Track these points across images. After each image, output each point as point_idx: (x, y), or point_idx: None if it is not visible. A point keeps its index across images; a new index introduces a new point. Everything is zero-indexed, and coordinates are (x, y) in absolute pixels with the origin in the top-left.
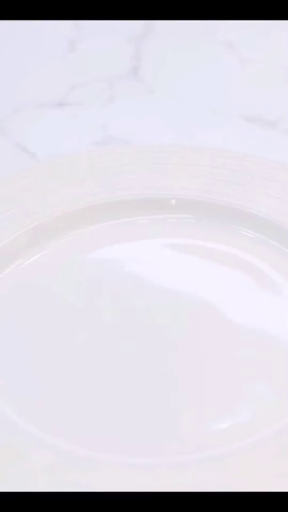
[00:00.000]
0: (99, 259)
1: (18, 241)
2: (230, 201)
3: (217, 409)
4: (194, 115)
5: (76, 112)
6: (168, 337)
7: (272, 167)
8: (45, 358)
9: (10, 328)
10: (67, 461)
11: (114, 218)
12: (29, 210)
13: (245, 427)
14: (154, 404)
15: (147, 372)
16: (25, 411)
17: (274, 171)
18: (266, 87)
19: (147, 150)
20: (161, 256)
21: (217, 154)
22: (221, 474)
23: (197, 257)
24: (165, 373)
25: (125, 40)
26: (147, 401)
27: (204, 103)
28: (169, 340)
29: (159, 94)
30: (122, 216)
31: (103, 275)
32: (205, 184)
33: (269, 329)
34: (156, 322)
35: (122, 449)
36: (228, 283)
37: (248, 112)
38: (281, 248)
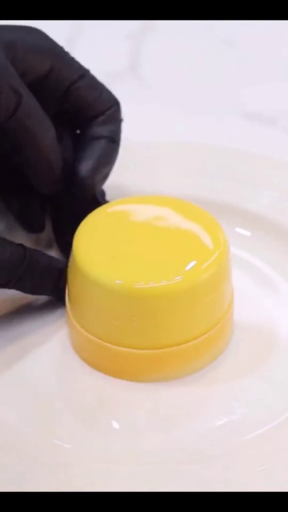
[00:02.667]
0: None
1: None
2: (228, 198)
3: (214, 406)
4: (192, 112)
5: None
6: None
7: (271, 165)
8: (43, 355)
9: (7, 325)
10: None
11: None
12: None
13: (242, 425)
14: (149, 402)
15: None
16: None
17: (273, 169)
18: (266, 84)
19: (145, 147)
20: None
21: (216, 152)
22: (218, 472)
23: None
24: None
25: (123, 37)
26: (142, 400)
27: (203, 100)
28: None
29: (157, 91)
30: None
31: None
32: (202, 181)
33: (266, 326)
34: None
35: (116, 451)
36: None
37: (247, 109)
38: (279, 246)
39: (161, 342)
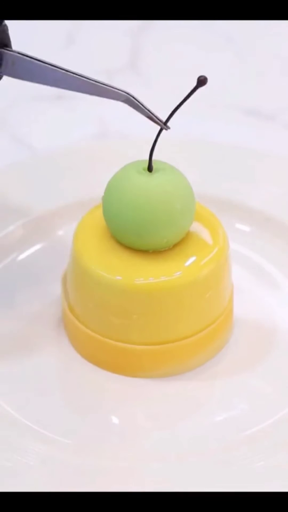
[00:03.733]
0: None
1: (14, 234)
2: (227, 194)
3: (214, 402)
4: (192, 108)
5: (73, 105)
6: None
7: (270, 160)
8: (41, 351)
9: (5, 322)
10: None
11: None
12: (26, 202)
13: (242, 420)
14: (149, 398)
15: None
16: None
17: (273, 165)
18: (265, 80)
19: (144, 144)
20: None
21: (215, 148)
22: (217, 468)
23: None
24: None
25: (123, 34)
26: (142, 396)
27: (202, 97)
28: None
29: (157, 87)
30: None
31: None
32: (202, 177)
33: (266, 322)
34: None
35: (116, 447)
36: None
37: (246, 105)
38: (278, 242)
39: (161, 338)
